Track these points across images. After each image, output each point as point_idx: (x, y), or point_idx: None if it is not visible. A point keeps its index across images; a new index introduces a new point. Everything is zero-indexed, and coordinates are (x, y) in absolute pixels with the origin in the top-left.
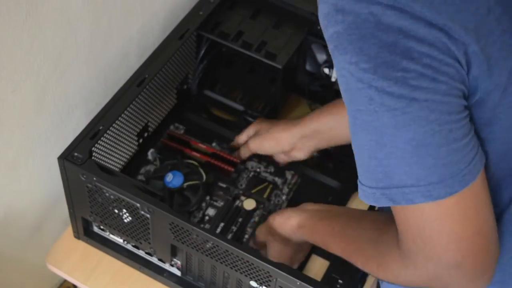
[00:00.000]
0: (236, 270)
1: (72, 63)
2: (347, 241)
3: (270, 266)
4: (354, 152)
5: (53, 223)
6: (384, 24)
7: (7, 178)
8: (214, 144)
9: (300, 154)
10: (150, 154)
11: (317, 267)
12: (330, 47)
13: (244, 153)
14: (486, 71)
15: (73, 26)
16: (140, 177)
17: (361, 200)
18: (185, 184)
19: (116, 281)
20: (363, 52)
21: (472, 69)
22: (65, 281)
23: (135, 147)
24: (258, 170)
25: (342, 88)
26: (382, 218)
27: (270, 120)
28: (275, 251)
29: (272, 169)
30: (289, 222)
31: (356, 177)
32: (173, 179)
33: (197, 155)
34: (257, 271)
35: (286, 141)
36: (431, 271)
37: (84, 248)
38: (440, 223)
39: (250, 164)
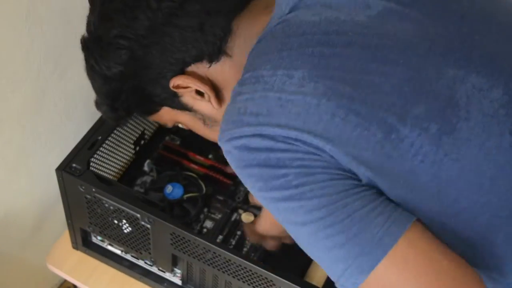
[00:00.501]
0: (238, 279)
1: (72, 63)
2: None
3: (273, 275)
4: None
5: (53, 223)
6: (253, 147)
7: (7, 178)
8: (210, 156)
9: None
10: (147, 165)
11: (319, 274)
12: None
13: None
14: (352, 161)
15: (73, 26)
16: (137, 188)
17: None
18: (185, 196)
19: (117, 281)
20: (252, 175)
21: (339, 161)
22: (65, 281)
23: (132, 156)
24: None
25: None
26: None
27: None
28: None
29: None
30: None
31: None
32: (173, 191)
33: (195, 167)
34: (260, 280)
35: None
36: None
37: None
38: (397, 284)
39: None
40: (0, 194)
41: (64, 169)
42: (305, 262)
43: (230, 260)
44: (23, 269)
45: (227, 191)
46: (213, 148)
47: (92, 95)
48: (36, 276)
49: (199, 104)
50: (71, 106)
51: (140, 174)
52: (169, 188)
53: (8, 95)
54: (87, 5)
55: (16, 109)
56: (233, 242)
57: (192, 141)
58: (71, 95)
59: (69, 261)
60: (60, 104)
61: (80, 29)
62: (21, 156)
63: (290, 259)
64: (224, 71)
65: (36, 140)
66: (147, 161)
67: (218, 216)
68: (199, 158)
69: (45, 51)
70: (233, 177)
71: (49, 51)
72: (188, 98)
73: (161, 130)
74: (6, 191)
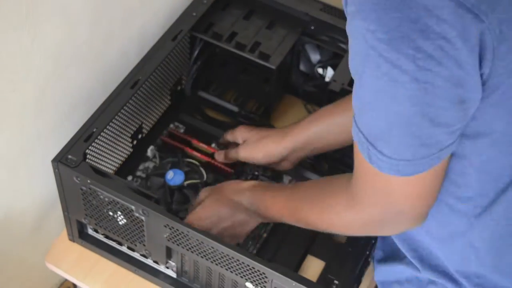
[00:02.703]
0: (231, 272)
1: (72, 63)
2: (298, 198)
3: (266, 268)
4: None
5: (53, 222)
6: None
7: (7, 178)
8: (213, 145)
9: (288, 164)
10: (150, 151)
11: (313, 268)
12: (349, 8)
13: (232, 157)
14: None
15: (73, 26)
16: (139, 173)
17: None
18: (186, 183)
19: (115, 279)
20: (383, 23)
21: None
22: (65, 280)
23: (129, 149)
24: (256, 173)
25: (352, 50)
26: (334, 177)
27: (259, 129)
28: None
29: (269, 173)
30: (241, 185)
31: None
32: (174, 177)
33: (198, 154)
34: (253, 273)
35: (277, 154)
36: (374, 214)
37: (82, 246)
38: (400, 189)
39: (249, 168)
40: (0, 194)
41: (60, 161)
42: (301, 255)
43: (223, 253)
44: (23, 269)
45: (228, 180)
46: (210, 137)
47: (92, 95)
48: (36, 276)
49: None
50: (71, 106)
51: (142, 160)
52: (170, 174)
53: (8, 95)
54: (87, 5)
55: (16, 109)
56: None
57: (190, 131)
58: (71, 95)
59: (68, 260)
60: (60, 104)
61: (80, 29)
62: (21, 156)
63: (285, 252)
64: None
65: (36, 140)
66: (150, 147)
67: None
68: (203, 146)
69: (45, 51)
70: (234, 165)
71: (49, 51)
72: None
73: (159, 124)
74: (6, 191)
